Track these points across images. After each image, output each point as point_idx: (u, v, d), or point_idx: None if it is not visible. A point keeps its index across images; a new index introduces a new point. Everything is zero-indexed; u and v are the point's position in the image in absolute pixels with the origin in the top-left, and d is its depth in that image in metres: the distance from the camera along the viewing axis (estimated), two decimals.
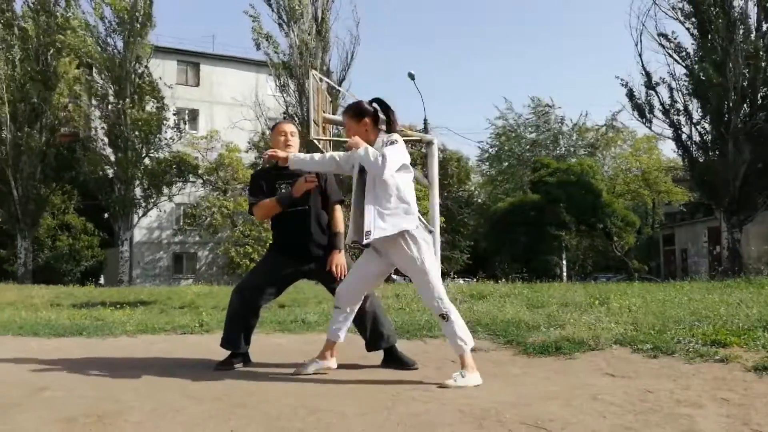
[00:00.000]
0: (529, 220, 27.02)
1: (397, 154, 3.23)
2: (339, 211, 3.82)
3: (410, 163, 3.36)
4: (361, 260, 3.46)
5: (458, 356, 3.23)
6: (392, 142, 3.25)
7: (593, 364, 3.57)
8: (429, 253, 3.27)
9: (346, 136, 3.48)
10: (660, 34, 20.46)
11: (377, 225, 3.16)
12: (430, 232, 3.39)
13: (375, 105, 3.42)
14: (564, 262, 29.49)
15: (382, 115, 3.40)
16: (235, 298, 3.76)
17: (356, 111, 3.43)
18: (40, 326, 5.61)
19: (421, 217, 3.33)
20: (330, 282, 3.71)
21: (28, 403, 2.80)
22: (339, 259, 3.66)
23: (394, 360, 3.65)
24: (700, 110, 20.50)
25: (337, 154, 3.53)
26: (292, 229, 3.73)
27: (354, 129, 3.41)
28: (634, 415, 2.52)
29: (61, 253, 25.74)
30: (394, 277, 27.76)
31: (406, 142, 3.58)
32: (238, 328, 3.70)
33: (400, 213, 3.22)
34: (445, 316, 3.21)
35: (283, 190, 3.74)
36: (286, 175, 3.73)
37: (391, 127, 3.42)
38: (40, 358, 3.97)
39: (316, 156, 3.56)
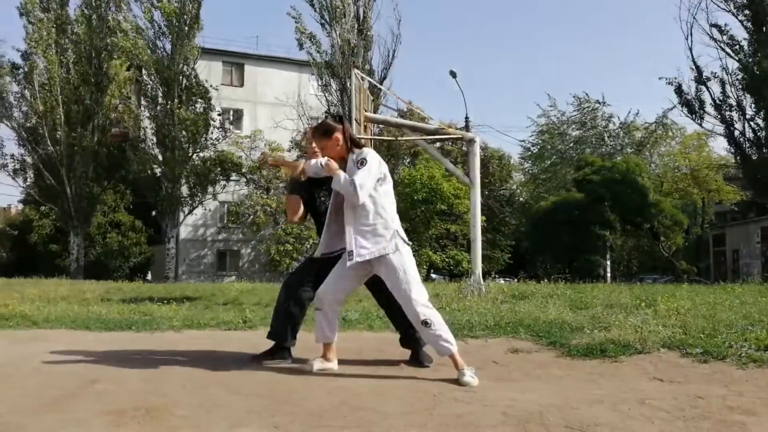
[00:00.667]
0: (573, 220, 26.50)
1: (368, 175, 3.25)
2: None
3: (390, 173, 3.43)
4: (341, 263, 3.45)
5: (449, 358, 3.25)
6: (361, 162, 3.27)
7: (640, 368, 3.48)
8: (410, 262, 3.31)
9: (321, 155, 3.49)
10: (713, 25, 19.79)
11: (359, 245, 3.24)
12: (408, 244, 3.37)
13: (339, 120, 3.45)
14: (608, 262, 28.83)
15: (349, 126, 3.45)
16: (282, 293, 3.86)
17: (324, 130, 3.44)
18: (91, 320, 5.81)
19: (399, 227, 3.34)
20: (377, 289, 3.70)
21: (81, 394, 2.90)
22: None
23: (412, 356, 3.66)
24: (753, 106, 19.77)
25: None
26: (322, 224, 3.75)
27: (327, 147, 3.42)
28: (684, 421, 2.45)
29: (111, 249, 26.61)
30: (434, 276, 27.72)
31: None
32: (284, 322, 3.78)
33: (378, 229, 3.27)
34: (426, 323, 3.22)
35: (322, 198, 3.78)
36: (322, 183, 3.72)
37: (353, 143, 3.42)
38: (92, 351, 4.10)
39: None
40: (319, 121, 3.60)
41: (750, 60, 19.15)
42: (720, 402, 2.72)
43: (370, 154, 3.32)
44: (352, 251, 3.25)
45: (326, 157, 3.40)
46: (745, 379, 3.15)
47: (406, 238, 3.36)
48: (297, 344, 3.83)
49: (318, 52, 22.16)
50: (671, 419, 2.47)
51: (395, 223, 3.33)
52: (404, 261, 3.27)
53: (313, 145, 3.77)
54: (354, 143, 3.43)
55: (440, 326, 3.25)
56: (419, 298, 3.24)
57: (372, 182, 3.26)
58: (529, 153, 37.86)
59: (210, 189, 26.08)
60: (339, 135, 3.40)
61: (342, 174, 3.28)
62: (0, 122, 23.83)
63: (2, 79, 23.42)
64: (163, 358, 3.87)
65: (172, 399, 2.81)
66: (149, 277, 28.88)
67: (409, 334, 3.61)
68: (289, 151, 29.10)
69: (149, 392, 2.93)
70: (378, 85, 19.60)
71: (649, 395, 2.86)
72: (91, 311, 6.85)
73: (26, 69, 23.60)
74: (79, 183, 24.15)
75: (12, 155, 25.08)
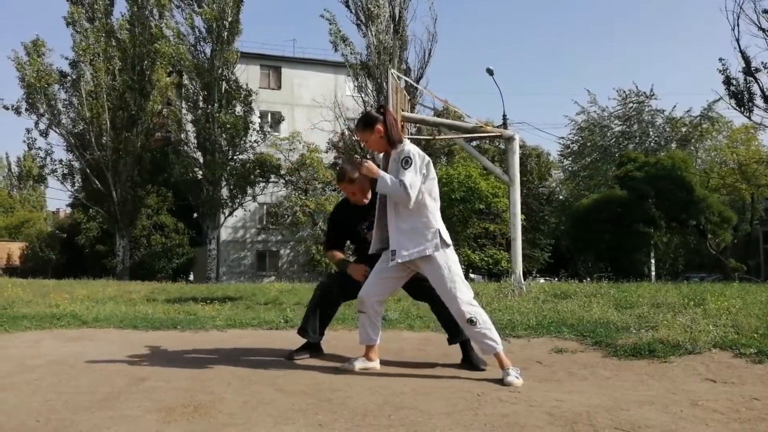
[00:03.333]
0: (615, 217, 25.91)
1: (416, 174, 3.18)
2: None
3: (432, 169, 3.30)
4: (381, 265, 3.42)
5: (494, 357, 3.21)
6: (406, 161, 3.19)
7: (691, 369, 3.37)
8: (454, 260, 3.26)
9: (366, 148, 3.51)
10: (764, 11, 19.04)
11: (401, 246, 3.21)
12: (449, 244, 3.30)
13: (382, 111, 3.38)
14: (653, 260, 28.09)
15: (390, 121, 3.33)
16: (317, 291, 3.97)
17: (366, 122, 3.38)
18: (138, 319, 5.96)
19: (442, 226, 3.28)
20: (415, 290, 3.75)
21: (131, 391, 2.98)
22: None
23: (465, 359, 3.61)
24: None
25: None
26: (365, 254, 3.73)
27: (370, 140, 3.36)
28: (740, 423, 2.36)
29: (155, 251, 27.28)
30: (473, 275, 27.50)
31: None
32: (314, 319, 3.88)
33: (420, 228, 3.22)
34: (472, 321, 3.18)
35: (364, 230, 3.78)
36: (365, 215, 3.76)
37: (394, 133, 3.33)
38: (140, 350, 4.21)
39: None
40: (361, 113, 3.64)
41: None
42: None
43: (412, 150, 3.24)
44: (394, 251, 3.23)
45: (364, 160, 3.36)
46: None
47: (448, 238, 3.30)
48: (338, 343, 3.86)
49: (352, 53, 22.27)
50: (726, 421, 2.39)
51: (438, 221, 3.27)
52: (448, 259, 3.24)
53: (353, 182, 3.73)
54: (394, 137, 3.32)
55: (486, 324, 3.21)
56: (464, 296, 3.21)
57: (420, 181, 3.20)
58: (569, 150, 37.20)
59: (249, 191, 26.47)
60: (381, 127, 3.31)
61: (387, 176, 3.20)
62: (49, 129, 24.68)
63: (51, 87, 24.24)
64: (209, 357, 3.94)
65: (218, 396, 2.85)
66: (191, 277, 29.51)
67: (453, 326, 3.58)
68: (326, 152, 29.34)
69: (196, 390, 2.99)
70: (414, 84, 19.56)
71: (702, 396, 2.76)
72: (137, 311, 7.03)
73: (74, 77, 24.39)
74: (124, 186, 24.85)
75: (60, 161, 25.97)
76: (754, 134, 32.21)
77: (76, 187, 26.86)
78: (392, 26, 22.07)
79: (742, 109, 20.28)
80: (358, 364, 3.46)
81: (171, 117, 26.34)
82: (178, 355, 4.04)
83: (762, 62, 19.92)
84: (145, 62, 24.88)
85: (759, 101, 19.77)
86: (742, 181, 31.74)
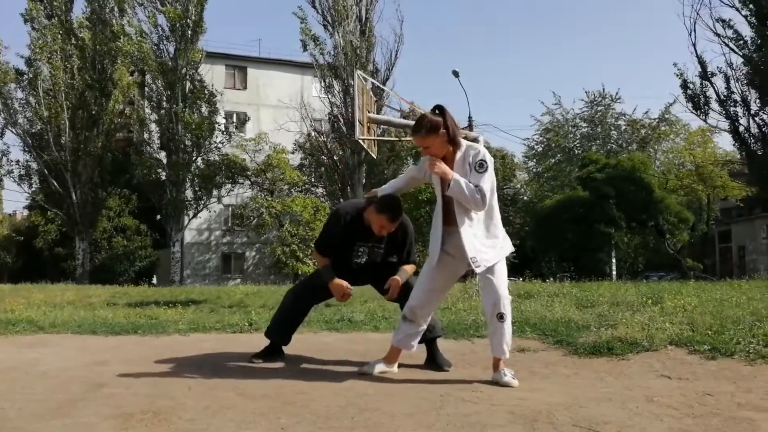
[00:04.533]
0: (577, 218, 26.41)
1: (492, 180, 3.08)
2: (409, 267, 3.72)
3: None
4: (429, 271, 3.32)
5: (494, 359, 3.21)
6: (481, 165, 3.07)
7: (647, 366, 3.47)
8: (503, 260, 3.26)
9: (425, 154, 3.21)
10: (718, 20, 19.70)
11: (480, 252, 3.11)
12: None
13: (441, 112, 3.16)
14: (614, 260, 28.73)
15: (451, 121, 3.14)
16: (290, 295, 3.93)
17: (429, 126, 3.10)
18: (97, 324, 5.81)
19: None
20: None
21: (88, 398, 2.91)
22: (397, 283, 3.56)
23: (430, 359, 3.63)
24: (758, 101, 19.67)
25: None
26: (347, 266, 3.70)
27: (434, 144, 3.12)
28: (693, 418, 2.43)
29: (116, 254, 26.73)
30: None
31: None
32: (283, 322, 3.86)
33: (494, 233, 3.19)
34: (502, 317, 3.16)
35: (360, 251, 3.66)
36: (371, 238, 3.61)
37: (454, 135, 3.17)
38: (98, 356, 4.11)
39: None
40: (418, 117, 3.25)
41: (755, 55, 19.06)
42: (729, 398, 2.71)
43: (487, 154, 3.12)
44: (475, 257, 3.10)
45: (433, 159, 3.10)
46: (753, 375, 3.13)
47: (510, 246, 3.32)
48: (301, 345, 3.85)
49: (322, 53, 22.21)
50: (680, 416, 2.46)
51: (499, 221, 3.27)
52: (504, 263, 3.24)
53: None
54: (458, 139, 3.14)
55: (509, 327, 3.20)
56: (507, 293, 3.19)
57: (494, 186, 3.12)
58: (533, 152, 37.76)
59: (214, 192, 26.15)
60: (444, 131, 3.08)
61: (462, 180, 3.03)
62: (5, 129, 23.95)
63: (7, 85, 23.51)
64: (170, 362, 3.87)
65: (179, 402, 2.80)
66: (154, 281, 28.96)
67: (425, 334, 3.61)
68: (293, 153, 29.16)
69: (156, 395, 2.93)
70: (381, 86, 19.61)
71: (657, 393, 2.84)
72: (97, 315, 6.86)
73: (31, 75, 23.70)
74: (84, 188, 24.25)
75: (17, 161, 25.28)
76: (710, 137, 33.26)
77: (33, 189, 26.13)
78: (359, 27, 22.09)
79: (699, 112, 20.92)
80: (378, 368, 3.41)
81: (134, 117, 25.83)
82: (138, 360, 3.96)
83: (717, 67, 20.60)
84: (106, 61, 24.34)
85: (714, 105, 20.45)
86: (698, 183, 32.73)
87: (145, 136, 26.02)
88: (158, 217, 27.06)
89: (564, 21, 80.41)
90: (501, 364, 3.19)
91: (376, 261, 3.70)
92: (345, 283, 3.58)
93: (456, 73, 20.60)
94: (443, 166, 3.07)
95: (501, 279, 3.18)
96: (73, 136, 23.75)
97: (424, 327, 3.43)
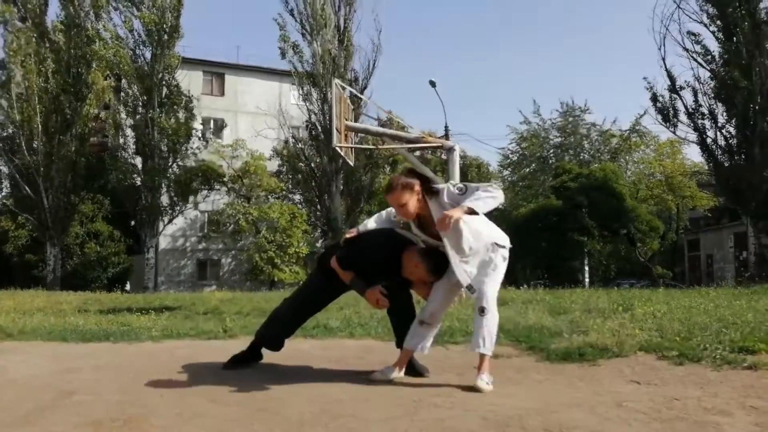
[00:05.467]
0: (551, 226, 26.76)
1: (482, 203, 3.19)
2: None
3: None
4: (444, 277, 3.43)
5: (478, 358, 3.25)
6: (459, 188, 3.25)
7: (617, 371, 3.53)
8: (501, 264, 3.37)
9: (400, 214, 3.38)
10: (688, 33, 20.21)
11: (470, 273, 3.29)
12: (503, 246, 3.41)
13: (412, 170, 3.38)
14: (586, 268, 29.14)
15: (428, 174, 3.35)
16: (287, 304, 3.85)
17: (404, 185, 3.25)
18: (68, 331, 5.72)
19: (496, 238, 3.37)
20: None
21: (57, 406, 2.86)
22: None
23: (409, 366, 3.63)
24: (725, 114, 20.19)
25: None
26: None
27: (410, 202, 3.27)
28: (661, 422, 2.49)
29: (88, 260, 26.19)
30: None
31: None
32: (280, 331, 3.83)
33: (475, 247, 3.29)
34: (483, 310, 3.24)
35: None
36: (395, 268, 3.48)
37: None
38: (69, 363, 4.05)
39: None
40: (390, 180, 3.36)
41: (721, 69, 19.57)
42: (695, 403, 2.77)
43: (468, 186, 3.29)
44: (470, 284, 3.30)
45: (445, 220, 3.11)
46: (719, 380, 3.21)
47: (502, 241, 3.39)
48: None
49: (300, 61, 22.23)
50: (648, 421, 2.51)
51: (489, 236, 3.35)
52: (497, 260, 3.33)
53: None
54: (435, 186, 3.32)
55: (490, 323, 3.24)
56: (492, 290, 3.30)
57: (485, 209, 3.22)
58: (508, 161, 38.18)
59: (191, 198, 25.88)
60: (419, 187, 3.27)
61: (472, 201, 3.18)
62: None
63: None
64: (142, 369, 3.83)
65: (150, 409, 2.78)
66: (128, 287, 28.47)
67: (404, 332, 3.62)
68: (270, 160, 29.05)
69: (127, 403, 2.90)
70: (359, 94, 19.68)
71: (627, 398, 2.90)
72: (67, 322, 6.75)
73: (3, 78, 23.23)
74: (57, 193, 23.78)
75: None
76: (679, 148, 33.99)
77: (4, 194, 25.56)
78: (338, 36, 22.16)
79: (668, 124, 21.37)
80: (395, 373, 3.45)
81: (109, 121, 25.48)
82: (109, 367, 3.91)
83: (686, 81, 21.04)
84: (81, 65, 23.97)
85: (683, 117, 20.90)
86: (668, 193, 33.39)
87: (121, 141, 25.67)
88: (132, 222, 26.67)
89: (541, 33, 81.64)
90: (483, 364, 3.22)
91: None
92: (378, 289, 3.41)
93: (433, 83, 20.70)
94: (454, 211, 3.10)
95: (488, 276, 3.29)
96: (46, 140, 23.30)
97: (437, 329, 3.58)
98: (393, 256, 3.43)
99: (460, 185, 3.30)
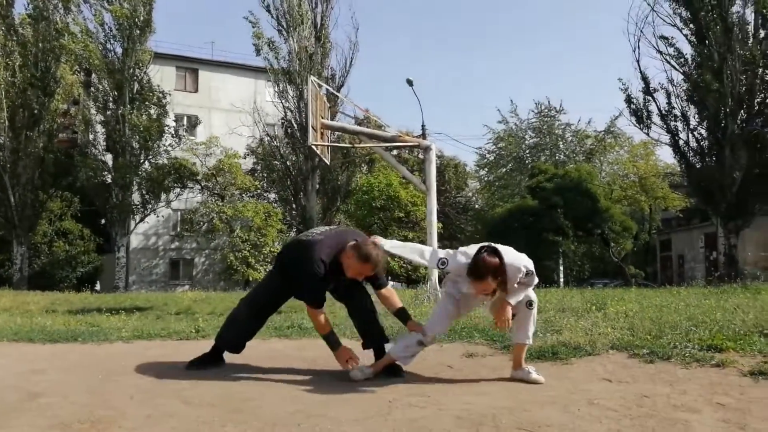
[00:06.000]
0: (527, 226, 27.01)
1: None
2: (388, 291, 3.66)
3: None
4: (450, 303, 3.50)
5: (516, 354, 3.43)
6: (526, 274, 3.26)
7: (590, 369, 3.57)
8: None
9: (480, 293, 3.33)
10: (661, 37, 20.53)
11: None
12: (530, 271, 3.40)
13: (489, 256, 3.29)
14: (561, 267, 29.50)
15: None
16: (244, 304, 3.84)
17: (495, 271, 3.19)
18: (35, 332, 5.59)
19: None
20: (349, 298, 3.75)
21: (24, 408, 2.79)
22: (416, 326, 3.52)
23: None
24: (697, 116, 20.56)
25: (426, 250, 3.68)
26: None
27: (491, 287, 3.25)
28: (631, 419, 2.52)
29: (57, 259, 25.63)
30: (391, 283, 27.77)
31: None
32: (239, 332, 3.80)
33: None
34: (531, 303, 3.37)
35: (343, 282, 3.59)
36: (339, 277, 3.54)
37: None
38: (35, 364, 3.95)
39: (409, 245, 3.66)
40: (478, 264, 3.26)
41: (694, 72, 19.94)
42: (665, 400, 2.81)
43: (528, 264, 3.33)
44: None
45: (502, 318, 3.28)
46: (688, 378, 3.26)
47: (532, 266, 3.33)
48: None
49: (276, 58, 22.05)
50: (619, 418, 2.54)
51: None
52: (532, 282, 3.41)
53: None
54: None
55: (535, 317, 3.42)
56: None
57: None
58: (485, 160, 38.45)
59: (163, 196, 25.51)
60: (501, 276, 3.22)
61: (516, 295, 3.32)
62: None
63: None
64: (112, 370, 3.75)
65: (119, 411, 2.72)
66: (98, 287, 27.94)
67: (368, 331, 3.67)
68: (245, 158, 28.79)
69: (95, 405, 2.83)
70: (335, 92, 19.61)
71: (598, 395, 2.93)
72: (35, 323, 6.60)
73: None
74: (24, 190, 23.21)
75: None
76: (653, 149, 34.62)
77: None
78: (314, 33, 22.04)
79: (642, 125, 21.68)
80: (370, 371, 3.48)
81: (78, 117, 24.96)
82: (77, 368, 3.82)
83: (660, 83, 21.35)
84: (50, 58, 23.44)
85: (656, 119, 21.22)
86: (641, 194, 33.98)
87: (90, 137, 25.14)
88: (103, 221, 26.18)
89: (520, 34, 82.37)
90: (523, 358, 3.36)
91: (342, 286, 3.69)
92: (351, 351, 3.53)
93: (410, 82, 20.70)
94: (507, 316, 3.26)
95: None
96: (13, 136, 22.72)
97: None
98: (334, 263, 3.45)
99: (525, 272, 3.25)
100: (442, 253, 3.47)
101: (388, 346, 3.63)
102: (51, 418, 2.61)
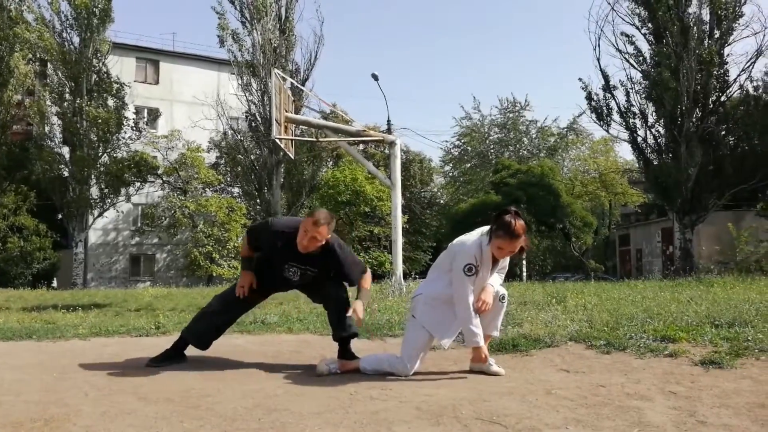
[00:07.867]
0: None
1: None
2: (364, 281, 3.65)
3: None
4: (426, 339, 3.42)
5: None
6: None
7: (548, 361, 3.64)
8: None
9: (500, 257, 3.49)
10: (622, 34, 20.97)
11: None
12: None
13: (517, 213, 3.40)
14: (524, 262, 29.98)
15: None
16: (218, 302, 3.79)
17: (525, 230, 3.37)
18: None
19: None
20: (315, 293, 3.77)
21: None
22: (358, 306, 3.49)
23: (342, 357, 3.63)
24: (654, 114, 21.11)
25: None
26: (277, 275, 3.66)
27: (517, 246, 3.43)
28: (586, 408, 2.58)
29: (11, 255, 24.80)
30: None
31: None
32: (209, 329, 3.75)
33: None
34: (504, 297, 3.50)
35: (292, 270, 3.58)
36: (302, 260, 3.53)
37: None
38: None
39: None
40: (512, 225, 3.39)
41: (652, 70, 20.45)
42: (619, 389, 2.89)
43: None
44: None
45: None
46: (642, 367, 3.36)
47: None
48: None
49: (240, 50, 21.74)
50: (574, 407, 2.60)
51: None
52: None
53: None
54: None
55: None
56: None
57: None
58: (450, 156, 38.73)
59: (123, 191, 24.93)
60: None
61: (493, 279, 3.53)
62: None
63: None
64: (67, 367, 3.66)
65: (74, 408, 2.65)
66: (55, 284, 27.15)
67: (338, 322, 3.62)
68: (208, 152, 28.35)
69: (49, 402, 2.76)
70: (300, 86, 19.45)
71: (556, 385, 2.99)
72: None
73: None
74: None
75: None
76: (612, 146, 35.44)
77: None
78: (279, 26, 21.80)
79: (602, 122, 22.15)
80: (339, 366, 3.45)
81: (33, 109, 24.16)
82: (31, 366, 3.71)
83: (619, 80, 21.84)
84: (3, 48, 22.62)
85: (616, 116, 21.72)
86: (601, 189, 34.75)
87: (46, 129, 24.39)
88: (59, 216, 25.45)
89: (488, 31, 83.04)
90: (485, 350, 3.35)
91: (308, 280, 3.67)
92: (249, 282, 3.62)
93: (375, 77, 20.73)
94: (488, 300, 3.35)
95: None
96: None
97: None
98: (287, 243, 3.49)
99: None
100: (464, 261, 3.34)
101: (363, 361, 3.55)
102: (3, 416, 2.53)
